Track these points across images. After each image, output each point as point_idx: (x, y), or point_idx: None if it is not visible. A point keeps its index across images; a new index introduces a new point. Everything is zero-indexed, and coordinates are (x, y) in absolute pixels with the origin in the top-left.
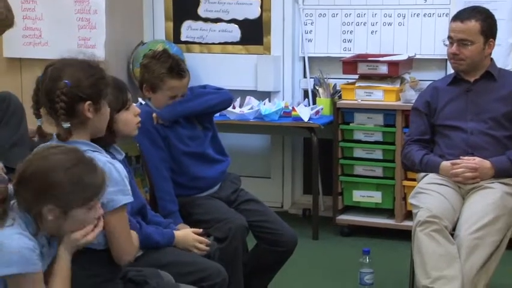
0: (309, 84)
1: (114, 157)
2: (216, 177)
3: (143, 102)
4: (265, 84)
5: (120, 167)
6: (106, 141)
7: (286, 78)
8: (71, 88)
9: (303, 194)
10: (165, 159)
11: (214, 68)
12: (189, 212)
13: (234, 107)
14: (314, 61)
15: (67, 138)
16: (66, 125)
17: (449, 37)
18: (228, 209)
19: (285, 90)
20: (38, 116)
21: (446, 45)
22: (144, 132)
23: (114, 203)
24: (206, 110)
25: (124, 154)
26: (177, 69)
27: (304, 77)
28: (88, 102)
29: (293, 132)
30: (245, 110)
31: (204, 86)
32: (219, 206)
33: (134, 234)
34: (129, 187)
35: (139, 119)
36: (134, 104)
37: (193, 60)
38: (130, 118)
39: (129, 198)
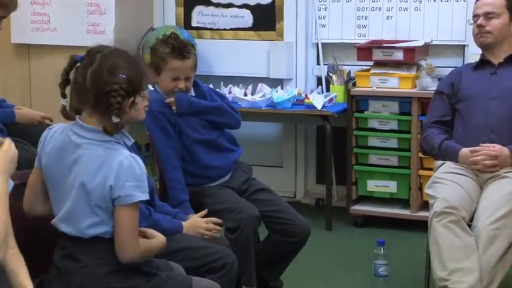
0: (323, 71)
1: (124, 143)
2: (228, 166)
3: (152, 88)
4: (278, 71)
5: (141, 162)
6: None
7: (299, 65)
8: (127, 83)
9: (316, 184)
10: (176, 147)
11: (226, 55)
12: (199, 201)
13: (245, 95)
14: (328, 47)
15: (114, 132)
16: (117, 119)
17: (474, 16)
18: (239, 199)
19: (297, 77)
20: (64, 95)
21: (471, 24)
22: (153, 119)
23: (131, 198)
24: (216, 123)
25: (133, 140)
26: (180, 49)
27: (318, 63)
28: (132, 98)
29: (306, 120)
30: (257, 97)
31: (223, 97)
32: (231, 195)
33: (142, 241)
34: (147, 184)
35: (147, 102)
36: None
37: (204, 47)
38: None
39: (145, 196)
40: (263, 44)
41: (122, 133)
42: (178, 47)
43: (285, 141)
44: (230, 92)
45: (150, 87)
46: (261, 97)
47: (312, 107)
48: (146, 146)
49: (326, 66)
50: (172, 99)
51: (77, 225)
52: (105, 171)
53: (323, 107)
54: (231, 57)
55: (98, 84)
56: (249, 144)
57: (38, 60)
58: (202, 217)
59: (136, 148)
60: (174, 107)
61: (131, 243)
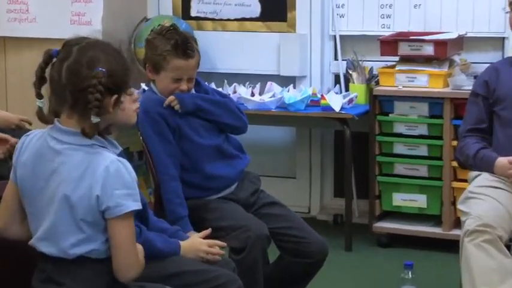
0: (341, 67)
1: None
2: (234, 176)
3: (146, 89)
4: (290, 67)
5: (130, 167)
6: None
7: (314, 60)
8: (107, 78)
9: (334, 197)
10: (174, 155)
11: (230, 49)
12: (201, 217)
13: (253, 95)
14: (347, 40)
15: (94, 135)
16: (97, 119)
17: (510, 4)
18: (246, 214)
19: (312, 74)
20: (39, 96)
21: (507, 12)
22: (149, 122)
23: (121, 208)
24: (221, 124)
25: (120, 149)
26: (184, 47)
27: (335, 59)
28: (115, 96)
29: (322, 124)
30: (266, 98)
31: (227, 98)
32: (236, 210)
33: (140, 248)
34: (138, 192)
35: (137, 105)
36: (133, 89)
37: (205, 39)
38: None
39: (137, 205)
40: (272, 37)
41: (108, 140)
42: (182, 44)
43: (298, 148)
44: (235, 92)
45: (144, 86)
46: (271, 97)
47: (328, 108)
48: (139, 154)
49: (345, 62)
50: (172, 97)
51: (59, 244)
52: (89, 179)
53: (341, 108)
54: (235, 51)
55: (74, 79)
56: (257, 151)
57: (15, 54)
58: (205, 237)
59: (125, 157)
60: (177, 106)
61: (130, 260)
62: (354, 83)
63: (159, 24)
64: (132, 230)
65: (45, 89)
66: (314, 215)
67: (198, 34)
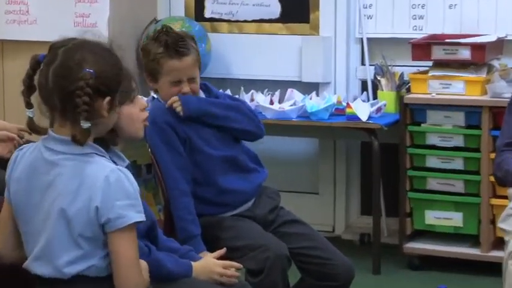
0: (369, 73)
1: (116, 165)
2: (251, 190)
3: (156, 96)
4: (312, 73)
5: (131, 177)
6: (105, 143)
7: (339, 65)
8: (95, 79)
9: (361, 215)
10: (185, 168)
11: (247, 53)
12: (214, 235)
13: (272, 103)
14: (375, 44)
15: (85, 141)
16: (87, 124)
17: None
18: (264, 233)
19: (337, 81)
20: (29, 105)
21: None
22: (157, 132)
23: (123, 219)
24: (233, 130)
25: (128, 162)
26: (175, 46)
27: (362, 64)
28: (108, 98)
29: (347, 135)
30: (286, 106)
31: (241, 101)
32: (253, 228)
33: (144, 264)
34: (141, 203)
35: (146, 114)
36: (140, 96)
37: (220, 43)
38: (135, 113)
39: (141, 217)
40: (294, 40)
41: (113, 152)
42: (172, 43)
43: (321, 161)
44: (252, 100)
45: (153, 94)
46: (291, 106)
47: (354, 118)
48: (147, 167)
49: (373, 67)
50: (175, 97)
51: (54, 262)
52: (88, 190)
53: (369, 118)
54: (253, 56)
55: (61, 83)
56: (276, 164)
57: (14, 59)
58: (219, 258)
59: (133, 170)
60: (179, 109)
61: (133, 277)
62: (382, 90)
63: (155, 29)
64: (135, 244)
65: (35, 98)
66: (339, 234)
67: (212, 37)
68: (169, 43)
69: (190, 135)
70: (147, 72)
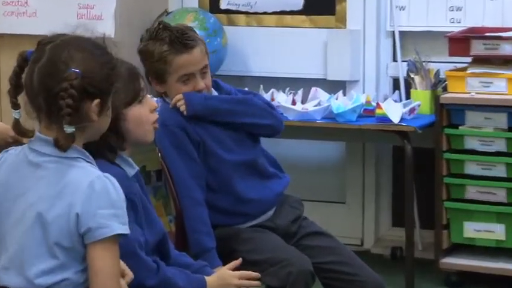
0: (401, 70)
1: (125, 172)
2: (271, 199)
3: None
4: (339, 70)
5: (119, 186)
6: (111, 148)
7: (368, 61)
8: (82, 80)
9: (392, 227)
10: (198, 175)
11: (266, 48)
12: (231, 249)
13: (294, 103)
14: (408, 38)
15: (68, 147)
16: (71, 129)
17: None
18: (286, 246)
19: (366, 79)
20: (15, 106)
21: None
22: (167, 136)
23: (105, 230)
24: (247, 125)
25: (137, 168)
26: (181, 39)
27: (394, 60)
28: (97, 100)
29: (377, 138)
30: (310, 106)
31: (254, 94)
32: (274, 241)
33: (123, 283)
34: (126, 215)
35: (156, 116)
36: (150, 96)
37: (237, 36)
38: (144, 115)
39: (125, 229)
40: (318, 33)
41: (121, 158)
42: (177, 38)
43: (348, 167)
44: (273, 99)
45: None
46: (315, 106)
47: (385, 120)
48: (157, 173)
49: (406, 63)
50: (179, 96)
51: (26, 272)
52: (69, 196)
53: (401, 120)
54: (273, 51)
55: (46, 83)
56: (298, 171)
57: (12, 54)
58: (234, 269)
59: (142, 177)
60: (182, 108)
61: None
62: (416, 88)
63: (149, 30)
64: (116, 260)
65: (22, 98)
66: (368, 248)
67: (228, 30)
68: (173, 38)
69: (204, 138)
70: (152, 75)
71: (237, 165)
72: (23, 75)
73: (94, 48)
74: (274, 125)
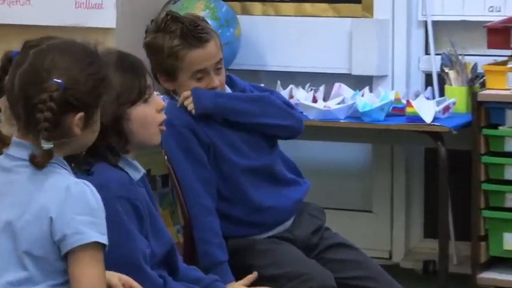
0: (434, 64)
1: (129, 177)
2: (289, 207)
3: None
4: (365, 64)
5: (98, 195)
6: (113, 150)
7: (398, 54)
8: (64, 92)
9: (424, 238)
10: (209, 181)
11: (284, 39)
12: (245, 262)
13: (315, 100)
14: (442, 28)
15: (44, 165)
16: (48, 145)
17: None
18: (306, 260)
19: (395, 73)
20: None
21: None
22: (174, 138)
23: (82, 236)
24: (263, 126)
25: (143, 171)
26: (194, 32)
27: (427, 53)
28: (80, 114)
29: (408, 140)
30: (332, 104)
31: (271, 92)
32: (293, 254)
33: None
34: (105, 225)
35: (163, 116)
36: (157, 93)
37: (252, 27)
38: (150, 115)
39: (104, 239)
40: (342, 23)
41: (125, 161)
42: (189, 31)
43: (375, 172)
44: (291, 97)
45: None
46: (339, 104)
47: (417, 119)
48: (163, 178)
49: (439, 56)
50: (187, 93)
51: None
52: (42, 200)
53: (434, 119)
54: (292, 43)
55: (26, 92)
56: (320, 176)
57: (4, 46)
58: (249, 285)
59: (148, 182)
60: (190, 107)
61: None
62: (451, 84)
63: (152, 20)
64: (97, 270)
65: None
66: (397, 261)
67: (243, 20)
68: (185, 31)
69: (214, 141)
70: (161, 71)
71: (251, 171)
72: (6, 78)
73: (83, 56)
74: (294, 126)
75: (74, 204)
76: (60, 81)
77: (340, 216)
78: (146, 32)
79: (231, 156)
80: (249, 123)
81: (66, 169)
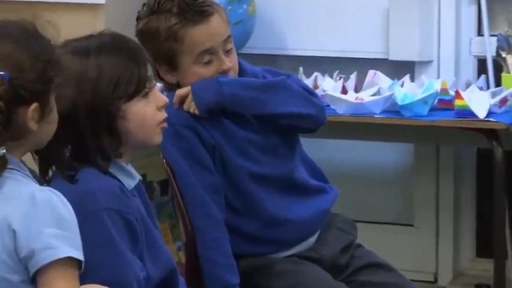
0: (488, 47)
1: (121, 185)
2: (313, 220)
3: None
4: (405, 47)
5: (68, 203)
6: (104, 153)
7: (445, 36)
8: (10, 84)
9: (476, 257)
10: (216, 189)
11: (308, 18)
12: (260, 285)
13: (344, 91)
14: (498, 5)
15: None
16: (0, 151)
17: None
18: (333, 283)
19: (441, 59)
20: None
21: None
22: (173, 139)
23: (54, 251)
24: (275, 117)
25: (138, 177)
26: (192, 7)
27: (479, 34)
28: (34, 105)
29: (456, 138)
30: (366, 96)
31: (287, 75)
32: (318, 275)
33: None
34: (79, 238)
35: (164, 114)
36: (158, 86)
37: (269, 3)
38: (150, 113)
39: (78, 254)
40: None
41: (118, 166)
42: (187, 5)
43: (417, 177)
44: (316, 86)
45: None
46: (374, 95)
47: (467, 114)
48: (162, 185)
49: (495, 38)
50: (183, 90)
51: None
52: (1, 211)
53: (488, 114)
54: (317, 22)
55: None
56: (350, 182)
57: None
58: None
59: (145, 191)
60: (192, 108)
61: None
62: (509, 72)
63: (144, 4)
64: (73, 286)
65: None
66: (444, 285)
67: None
68: (182, 6)
69: (220, 143)
70: (161, 60)
71: (264, 179)
72: None
73: (23, 37)
74: (315, 115)
75: (41, 215)
76: (2, 73)
77: (375, 230)
78: (138, 19)
79: (239, 160)
80: (260, 115)
81: (26, 174)
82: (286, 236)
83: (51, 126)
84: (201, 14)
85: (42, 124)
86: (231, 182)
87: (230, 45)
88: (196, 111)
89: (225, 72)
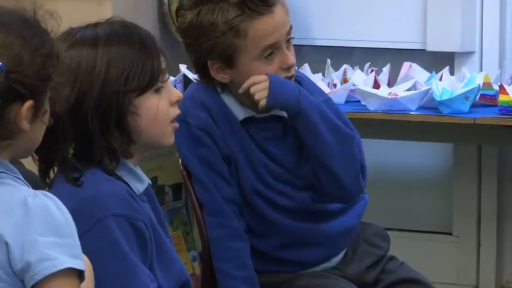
0: None
1: (129, 188)
2: (337, 240)
3: (191, 76)
4: (444, 37)
5: (63, 206)
6: (112, 153)
7: (488, 26)
8: (6, 77)
9: None
10: (234, 200)
11: (336, 5)
12: None
13: (377, 85)
14: None
15: None
16: None
17: None
18: None
19: (484, 50)
20: None
21: None
22: (188, 140)
23: (52, 262)
24: (322, 165)
25: (148, 181)
26: None
27: None
28: (29, 102)
29: (500, 138)
30: (400, 91)
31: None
32: None
33: None
34: (78, 245)
35: (178, 111)
36: (172, 80)
37: None
38: (162, 109)
39: (78, 264)
40: None
41: (126, 169)
42: None
43: (456, 181)
44: (346, 80)
45: (184, 70)
46: (409, 90)
47: None
48: (174, 189)
49: None
50: (260, 77)
51: None
52: None
53: None
54: (347, 9)
55: None
56: (383, 187)
57: None
58: None
59: (155, 195)
60: (260, 95)
61: None
62: None
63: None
64: None
65: None
66: None
67: None
68: None
69: (237, 156)
70: (215, 57)
71: (281, 208)
72: None
73: (22, 27)
74: (347, 189)
75: (35, 223)
76: (0, 63)
77: (410, 239)
78: (178, 11)
79: (255, 183)
80: (308, 148)
81: (16, 177)
82: (308, 256)
83: (42, 127)
84: (265, 3)
85: (35, 125)
86: (246, 201)
87: (290, 36)
88: (263, 102)
89: (288, 68)
